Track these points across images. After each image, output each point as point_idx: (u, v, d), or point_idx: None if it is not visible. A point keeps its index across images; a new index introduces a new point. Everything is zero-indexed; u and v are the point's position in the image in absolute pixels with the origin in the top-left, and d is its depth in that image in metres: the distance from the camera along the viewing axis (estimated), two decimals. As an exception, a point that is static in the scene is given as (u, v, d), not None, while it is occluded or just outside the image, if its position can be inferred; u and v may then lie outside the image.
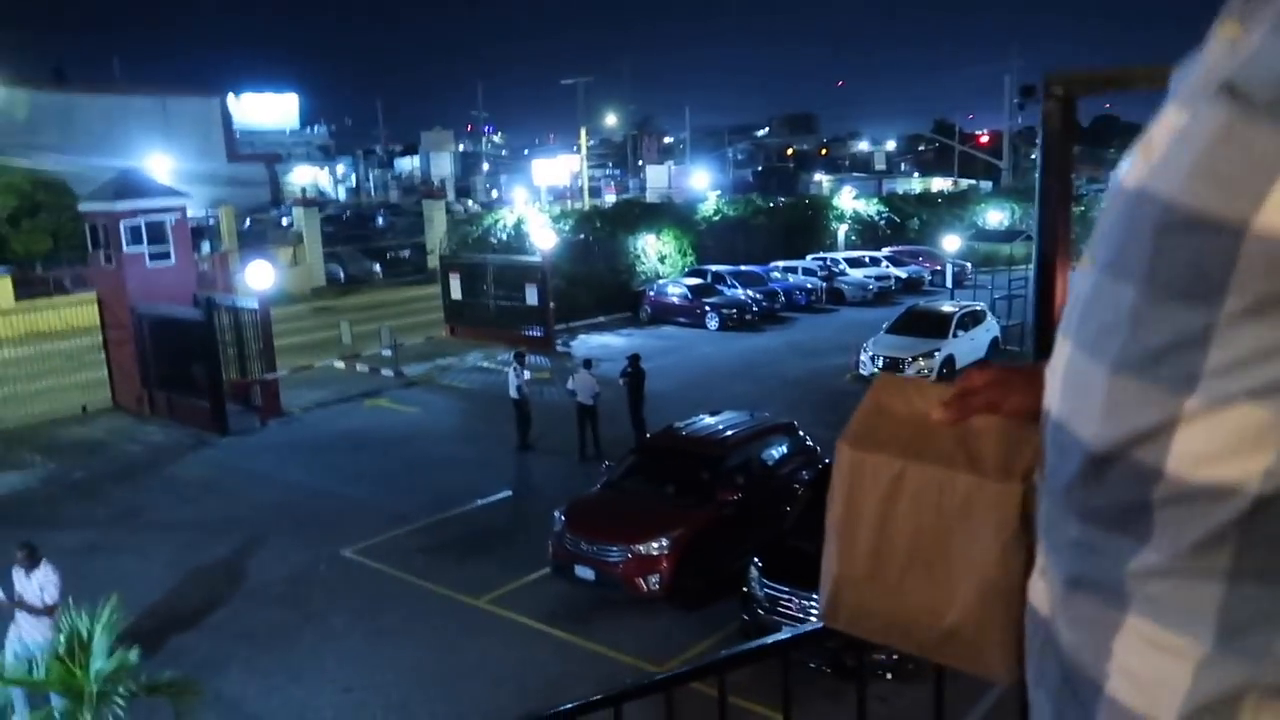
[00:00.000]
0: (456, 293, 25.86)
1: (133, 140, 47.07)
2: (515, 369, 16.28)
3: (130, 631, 7.73)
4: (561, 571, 10.82)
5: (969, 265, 32.18)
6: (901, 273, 33.05)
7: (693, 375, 21.10)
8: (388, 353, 22.19)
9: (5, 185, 29.69)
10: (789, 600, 8.88)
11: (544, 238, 23.86)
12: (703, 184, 47.53)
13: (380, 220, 54.97)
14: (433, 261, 39.64)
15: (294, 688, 9.26)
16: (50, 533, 12.59)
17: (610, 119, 48.32)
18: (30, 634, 8.23)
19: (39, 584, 8.37)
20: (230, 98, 74.78)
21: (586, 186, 38.75)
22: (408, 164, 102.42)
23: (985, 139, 70.46)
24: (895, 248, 36.91)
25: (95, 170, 27.57)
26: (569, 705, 2.51)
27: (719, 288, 27.10)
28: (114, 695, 5.64)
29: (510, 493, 14.52)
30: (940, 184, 64.36)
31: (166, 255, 19.74)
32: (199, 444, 17.47)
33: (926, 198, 48.25)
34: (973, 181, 60.84)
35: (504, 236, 26.40)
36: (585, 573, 10.44)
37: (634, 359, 16.10)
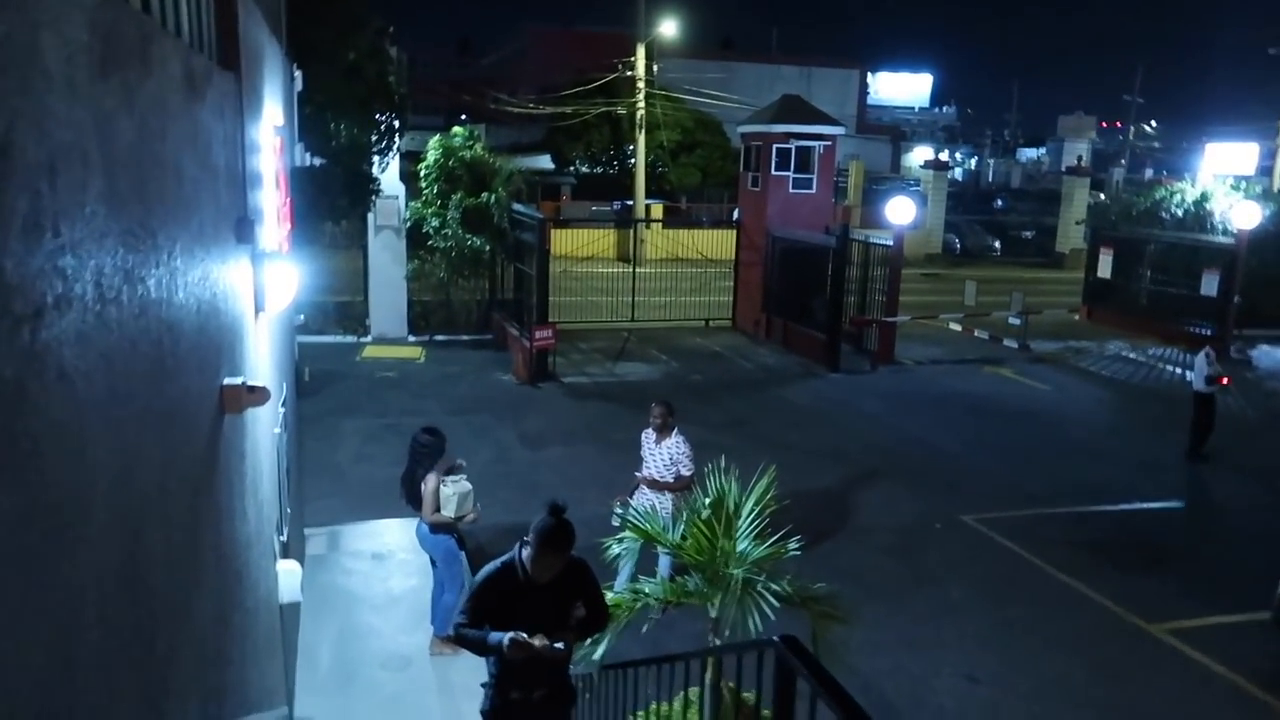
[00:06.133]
0: (1105, 271, 22.09)
1: (779, 102, 49.93)
2: (1208, 356, 12.64)
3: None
4: (1296, 625, 7.55)
5: None
6: None
7: None
8: (1015, 321, 19.52)
9: (674, 121, 32.48)
10: None
11: (1243, 214, 18.94)
12: None
13: (999, 203, 52.05)
14: (1062, 245, 35.69)
15: (905, 654, 7.48)
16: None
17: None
18: (647, 496, 7.51)
19: (669, 454, 7.61)
20: (869, 75, 76.61)
21: (1278, 171, 31.25)
22: (1032, 154, 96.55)
23: None
24: None
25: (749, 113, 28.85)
26: None
27: None
28: (758, 589, 4.27)
29: (1181, 505, 11.20)
30: None
31: (809, 184, 19.33)
32: (808, 374, 16.73)
33: None
34: None
35: (1178, 214, 21.80)
36: (1345, 637, 7.05)
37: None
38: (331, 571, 8.08)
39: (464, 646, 4.28)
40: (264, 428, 4.75)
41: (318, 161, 10.53)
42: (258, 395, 3.26)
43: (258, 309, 4.36)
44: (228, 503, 3.24)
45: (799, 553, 4.87)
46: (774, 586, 4.36)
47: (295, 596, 5.42)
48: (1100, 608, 8.36)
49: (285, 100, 7.51)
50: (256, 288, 4.30)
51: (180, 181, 2.44)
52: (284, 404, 5.98)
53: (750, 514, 4.70)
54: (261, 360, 4.65)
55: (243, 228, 3.76)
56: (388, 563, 8.35)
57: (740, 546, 4.54)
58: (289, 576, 5.26)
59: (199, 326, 2.68)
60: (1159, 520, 10.67)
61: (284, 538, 5.59)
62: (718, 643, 4.43)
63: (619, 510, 7.23)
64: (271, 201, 5.24)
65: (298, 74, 8.76)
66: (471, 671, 6.34)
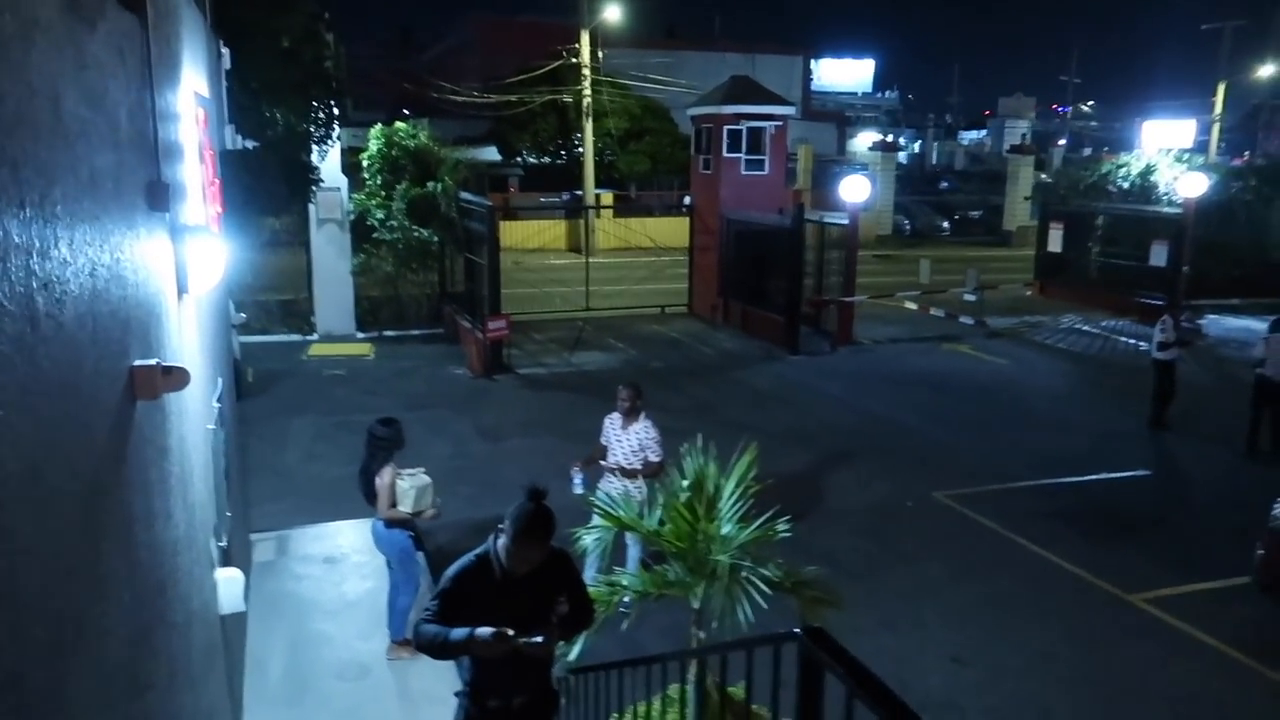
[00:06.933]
0: (1055, 245, 22.18)
1: (725, 88, 49.66)
2: (1163, 324, 12.60)
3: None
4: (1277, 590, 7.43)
5: None
6: None
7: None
8: (971, 297, 19.48)
9: (621, 108, 32.08)
10: None
11: (1190, 184, 19.08)
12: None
13: (945, 184, 52.62)
14: (1009, 223, 35.97)
15: (887, 636, 7.22)
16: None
17: (1266, 71, 39.33)
18: (615, 484, 7.15)
19: (637, 439, 7.25)
20: (812, 61, 76.73)
21: (1214, 146, 31.84)
22: (974, 136, 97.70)
23: None
24: None
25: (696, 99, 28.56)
26: None
27: None
28: (747, 575, 3.94)
29: (1149, 473, 11.12)
30: None
31: (761, 165, 19.07)
32: (768, 357, 16.49)
33: None
34: None
35: (1125, 186, 21.93)
36: (1329, 598, 6.94)
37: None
38: (281, 578, 7.61)
39: (422, 649, 3.68)
40: (194, 423, 4.31)
41: (249, 144, 10.01)
42: (175, 378, 2.84)
43: (181, 290, 3.92)
44: (144, 503, 2.82)
45: (789, 534, 4.55)
46: (763, 572, 4.03)
47: (238, 606, 4.98)
48: (1078, 580, 8.19)
49: (210, 74, 7.01)
50: (178, 265, 3.86)
51: (58, 113, 2.02)
52: (219, 399, 5.52)
53: (732, 495, 4.37)
54: (188, 346, 4.20)
55: (156, 193, 3.32)
56: (341, 566, 7.90)
57: (724, 530, 4.20)
58: (230, 585, 4.81)
59: (94, 293, 2.26)
60: (1128, 489, 10.58)
61: (224, 543, 5.14)
62: (702, 635, 4.09)
63: (578, 479, 6.93)
64: (195, 175, 4.78)
65: (225, 51, 8.23)
66: (434, 677, 5.95)
